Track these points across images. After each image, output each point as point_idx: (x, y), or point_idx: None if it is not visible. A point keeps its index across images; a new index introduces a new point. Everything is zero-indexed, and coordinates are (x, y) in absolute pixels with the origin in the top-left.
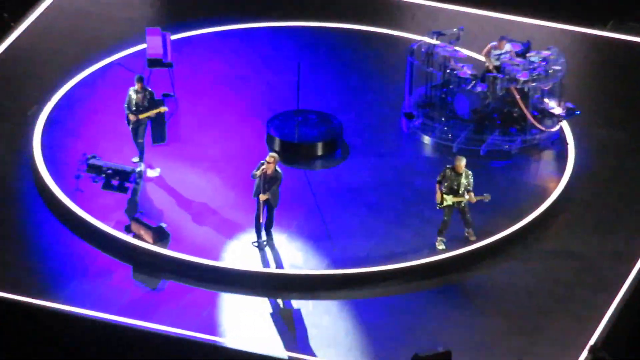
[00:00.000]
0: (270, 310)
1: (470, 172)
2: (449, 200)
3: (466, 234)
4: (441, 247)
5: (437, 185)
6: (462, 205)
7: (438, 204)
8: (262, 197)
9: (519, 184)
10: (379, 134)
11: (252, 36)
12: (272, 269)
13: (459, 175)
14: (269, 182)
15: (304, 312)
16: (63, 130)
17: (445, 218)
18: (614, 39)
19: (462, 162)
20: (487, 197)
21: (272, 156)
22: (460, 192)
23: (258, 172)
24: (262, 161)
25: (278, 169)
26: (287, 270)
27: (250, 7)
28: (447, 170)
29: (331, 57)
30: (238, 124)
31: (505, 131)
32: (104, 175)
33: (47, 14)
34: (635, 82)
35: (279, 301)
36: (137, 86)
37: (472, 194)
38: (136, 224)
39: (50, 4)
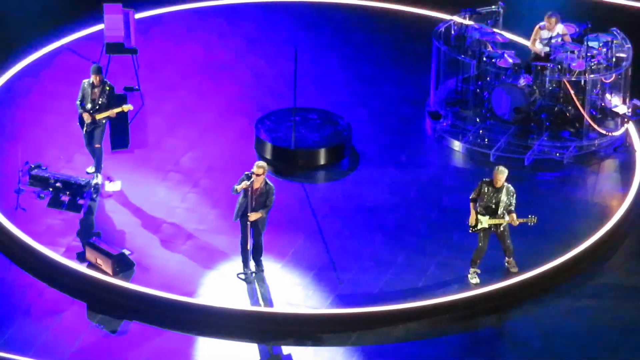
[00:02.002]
0: (260, 359)
1: (512, 188)
2: (485, 222)
3: (506, 264)
4: (475, 280)
5: (471, 204)
6: (502, 228)
7: (472, 226)
8: (253, 216)
9: (572, 202)
10: (398, 138)
11: (238, 14)
12: (263, 307)
13: (498, 191)
14: (259, 198)
15: None
16: (0, 133)
17: (480, 244)
18: None
19: (503, 174)
20: (532, 220)
21: (260, 166)
22: (499, 212)
23: (239, 187)
24: (246, 172)
25: (268, 181)
26: (282, 309)
27: None
28: (484, 185)
29: (337, 41)
30: (219, 126)
31: (555, 135)
32: (51, 189)
33: None
34: None
35: (271, 348)
36: (93, 79)
37: (514, 215)
38: (91, 251)
39: None
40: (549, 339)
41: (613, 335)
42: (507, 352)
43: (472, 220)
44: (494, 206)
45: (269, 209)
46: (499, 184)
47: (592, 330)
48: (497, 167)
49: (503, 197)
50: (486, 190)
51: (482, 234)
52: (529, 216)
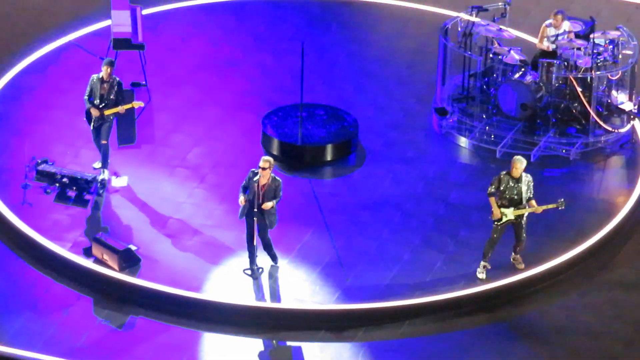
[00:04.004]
0: (267, 355)
1: (529, 176)
2: (510, 214)
3: (512, 260)
4: (482, 275)
5: (491, 199)
6: (524, 219)
7: (495, 221)
8: (267, 205)
9: (578, 199)
10: (404, 134)
11: (245, 10)
12: (269, 303)
13: (518, 181)
14: (267, 194)
15: (309, 358)
16: (6, 129)
17: (495, 236)
18: None
19: (522, 163)
20: (561, 204)
21: (266, 160)
22: (523, 202)
23: (242, 199)
24: (253, 169)
25: (276, 176)
26: (288, 304)
27: None
28: (503, 177)
29: (344, 37)
30: (226, 121)
31: (562, 132)
32: (57, 184)
33: None
34: None
35: (278, 344)
36: (104, 72)
37: (534, 201)
38: (98, 246)
39: None
40: (556, 335)
41: (623, 330)
42: (515, 348)
43: (496, 214)
44: (516, 197)
45: (279, 199)
46: (517, 173)
47: (602, 325)
48: (515, 157)
49: (523, 186)
50: (506, 182)
51: (500, 227)
52: (558, 201)
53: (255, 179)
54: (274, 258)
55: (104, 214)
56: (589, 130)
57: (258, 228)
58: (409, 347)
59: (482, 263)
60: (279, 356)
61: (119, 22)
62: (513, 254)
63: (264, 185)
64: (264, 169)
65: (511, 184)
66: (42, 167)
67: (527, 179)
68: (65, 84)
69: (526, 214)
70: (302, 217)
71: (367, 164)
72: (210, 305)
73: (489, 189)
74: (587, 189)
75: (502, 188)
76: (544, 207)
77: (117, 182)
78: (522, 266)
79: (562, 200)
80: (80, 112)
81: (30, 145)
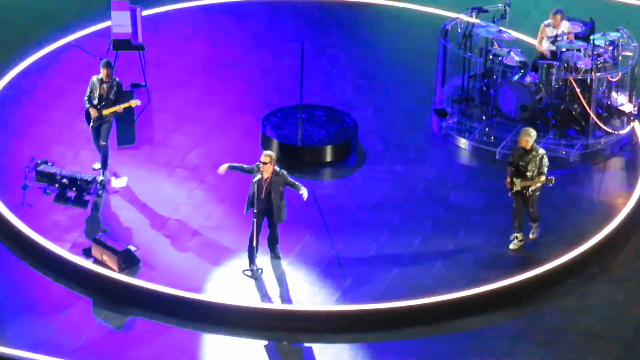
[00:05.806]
0: (266, 356)
1: (541, 150)
2: (518, 184)
3: (531, 234)
4: (513, 246)
5: (508, 167)
6: (530, 192)
7: (509, 189)
8: (304, 194)
9: (578, 200)
10: (404, 135)
11: (245, 11)
12: (269, 304)
13: (527, 153)
14: (269, 188)
15: (308, 359)
16: (6, 129)
17: (515, 206)
18: None
19: (526, 135)
20: (550, 181)
21: (267, 155)
22: (528, 175)
23: (222, 168)
24: (257, 163)
25: (278, 169)
26: (288, 305)
27: None
28: (518, 147)
29: (344, 38)
30: (225, 122)
31: (562, 133)
32: (57, 185)
33: None
34: None
35: (277, 345)
36: (102, 74)
37: (542, 177)
38: (97, 247)
39: None
40: (556, 336)
41: (623, 332)
42: (515, 349)
43: (507, 182)
44: (522, 169)
45: (299, 185)
46: (522, 144)
47: (602, 327)
48: (523, 129)
49: (531, 159)
50: (519, 152)
51: (517, 197)
52: (548, 177)
53: (257, 176)
54: (275, 252)
55: (104, 214)
56: (588, 132)
57: (268, 223)
58: (408, 348)
59: (513, 235)
60: (278, 357)
61: (118, 22)
62: (530, 222)
63: (266, 180)
64: (265, 163)
65: (520, 154)
66: (41, 167)
67: (537, 153)
68: (65, 84)
69: (533, 187)
70: (302, 218)
71: (366, 165)
72: (210, 306)
73: (509, 157)
74: (587, 190)
75: (514, 157)
76: (538, 182)
77: (117, 183)
78: (534, 236)
79: (553, 177)
80: (80, 112)
81: (29, 146)
